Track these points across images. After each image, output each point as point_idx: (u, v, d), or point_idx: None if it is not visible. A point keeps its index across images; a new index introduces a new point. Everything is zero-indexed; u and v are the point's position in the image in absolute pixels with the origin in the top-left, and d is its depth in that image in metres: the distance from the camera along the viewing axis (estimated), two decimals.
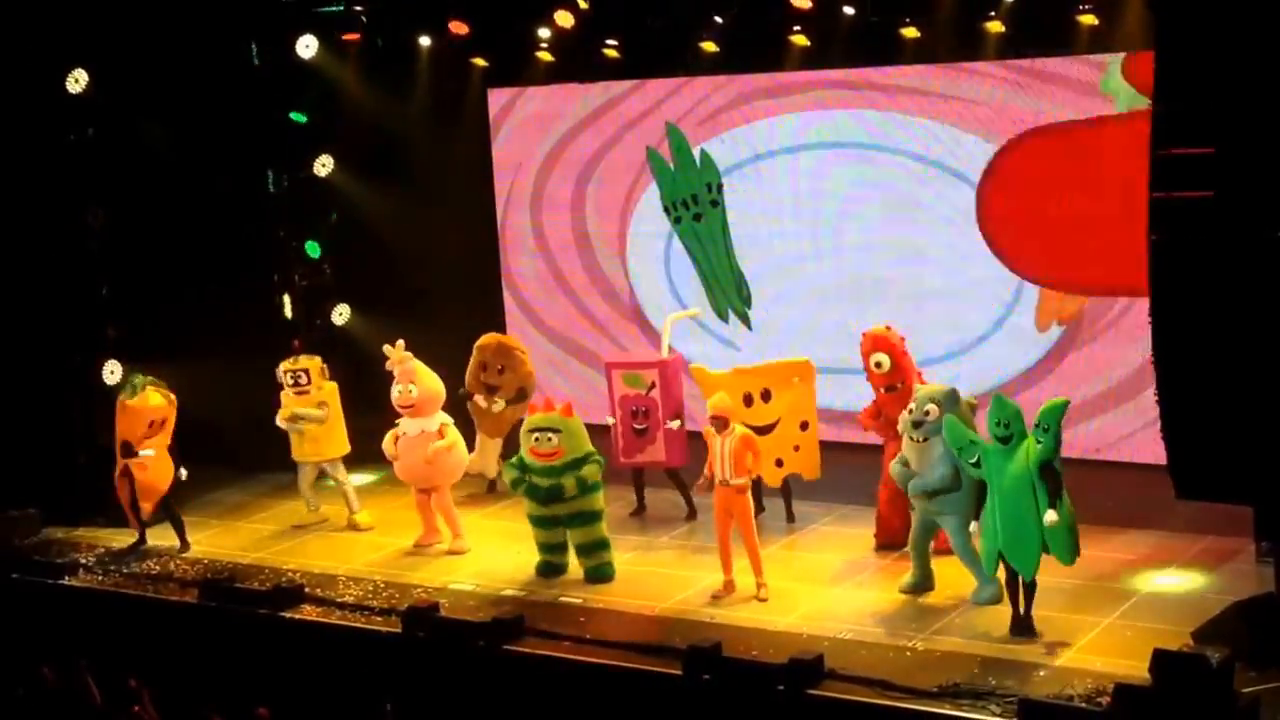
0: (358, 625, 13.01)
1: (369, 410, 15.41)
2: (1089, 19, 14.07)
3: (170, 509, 15.15)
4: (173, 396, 14.97)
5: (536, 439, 13.38)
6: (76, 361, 15.78)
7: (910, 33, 14.89)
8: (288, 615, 13.29)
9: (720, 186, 16.91)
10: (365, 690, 12.44)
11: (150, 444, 14.86)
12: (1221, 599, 11.77)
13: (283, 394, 15.35)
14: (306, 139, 17.22)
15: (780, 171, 16.59)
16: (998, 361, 15.61)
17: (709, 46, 15.85)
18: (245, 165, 16.96)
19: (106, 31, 15.48)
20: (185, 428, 15.13)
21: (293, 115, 17.13)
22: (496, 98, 18.02)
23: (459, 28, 16.51)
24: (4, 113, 15.39)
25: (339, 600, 13.43)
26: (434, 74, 17.23)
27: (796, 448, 14.36)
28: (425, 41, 16.95)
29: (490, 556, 14.30)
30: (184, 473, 15.21)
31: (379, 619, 13.03)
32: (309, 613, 13.33)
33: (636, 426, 14.82)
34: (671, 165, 17.11)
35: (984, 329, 15.76)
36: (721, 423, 12.70)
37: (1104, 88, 14.66)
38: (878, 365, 13.40)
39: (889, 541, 13.59)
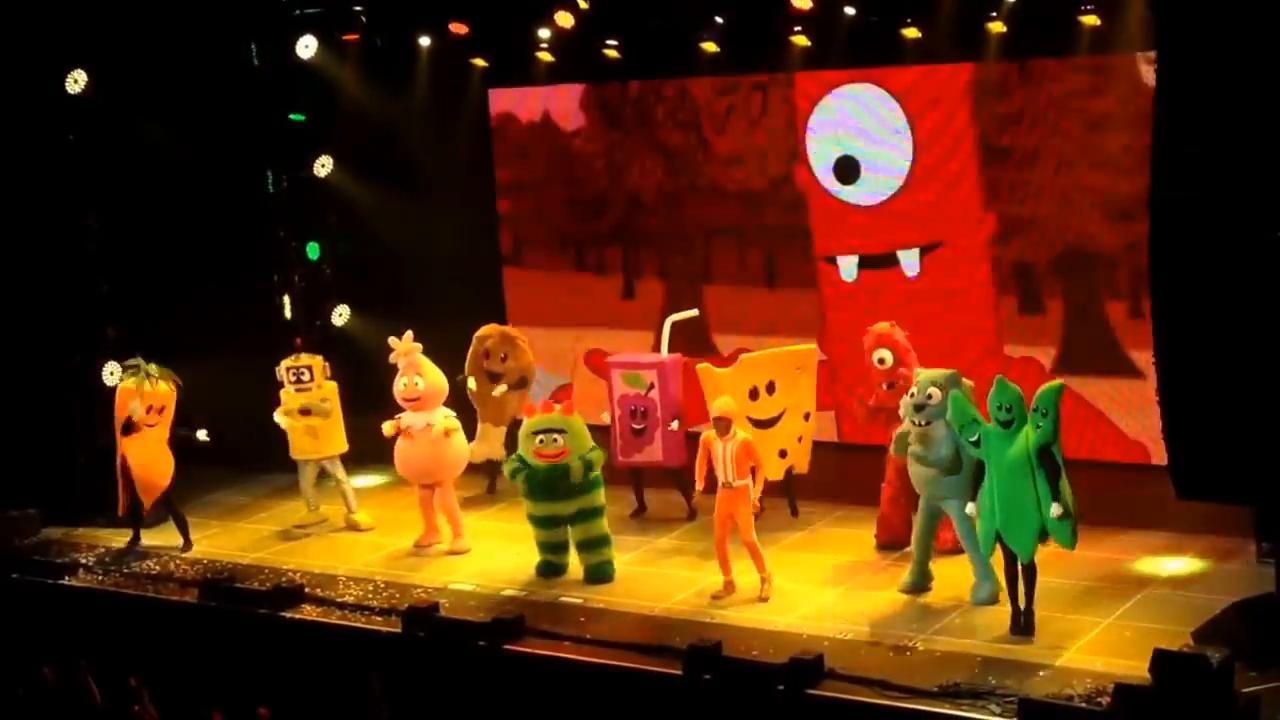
0: (358, 625, 13.01)
1: (369, 410, 15.41)
2: (1090, 19, 14.07)
3: (172, 506, 15.15)
4: (178, 381, 14.96)
5: (541, 440, 13.37)
6: (76, 361, 15.78)
7: (911, 33, 14.90)
8: (288, 615, 13.29)
9: None
10: (365, 689, 12.43)
11: (149, 433, 14.85)
12: (1221, 599, 11.75)
13: (283, 392, 15.34)
14: (306, 139, 17.22)
15: None
16: None
17: (709, 46, 15.85)
18: (245, 165, 16.95)
19: (106, 31, 15.48)
20: (182, 420, 15.15)
21: (292, 115, 17.15)
22: (496, 98, 18.03)
23: (459, 28, 16.51)
24: (4, 113, 15.39)
25: (339, 600, 13.43)
26: (434, 74, 17.22)
27: (800, 439, 14.42)
28: (425, 41, 16.94)
29: (490, 556, 14.30)
30: (204, 434, 15.16)
31: (379, 619, 13.03)
32: (309, 613, 13.33)
33: (635, 426, 14.82)
34: None
35: None
36: (724, 425, 12.70)
37: None
38: (880, 361, 13.43)
39: (891, 541, 13.60)
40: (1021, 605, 11.69)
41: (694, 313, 15.98)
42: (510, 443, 14.91)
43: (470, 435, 15.28)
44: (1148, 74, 13.65)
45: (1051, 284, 15.48)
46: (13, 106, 15.38)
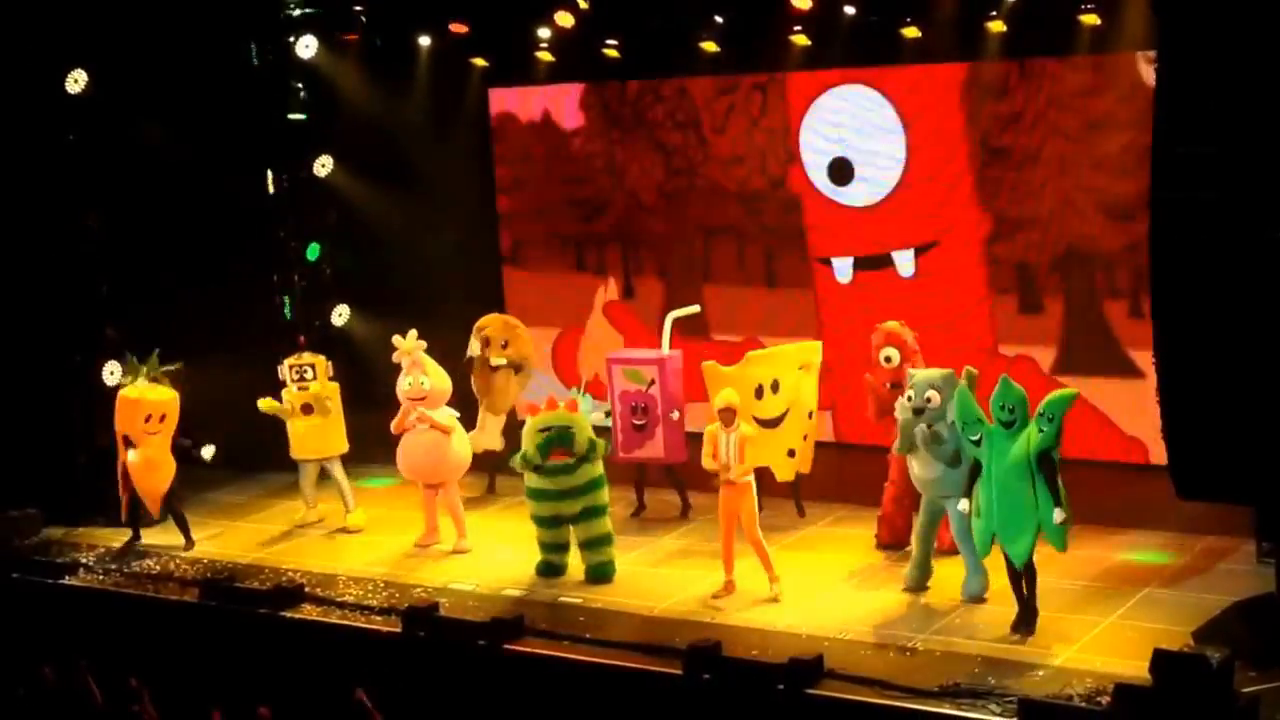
0: (358, 625, 13.01)
1: (369, 410, 15.41)
2: (1091, 19, 14.07)
3: (173, 506, 15.14)
4: (181, 386, 14.94)
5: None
6: (76, 361, 15.77)
7: (911, 33, 14.90)
8: (288, 615, 13.29)
9: None
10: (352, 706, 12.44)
11: (151, 440, 14.86)
12: (1221, 599, 11.76)
13: (284, 391, 15.33)
14: (306, 139, 17.23)
15: None
16: None
17: (709, 46, 15.86)
18: (245, 165, 16.96)
19: (105, 31, 15.47)
20: (186, 428, 15.14)
21: (292, 115, 17.14)
22: (496, 97, 18.03)
23: (459, 28, 16.51)
24: (4, 113, 15.38)
25: (339, 600, 13.43)
26: (434, 74, 17.23)
27: (805, 436, 14.43)
28: (425, 41, 16.95)
29: (490, 556, 14.30)
30: (209, 452, 15.10)
31: (379, 619, 13.03)
32: (309, 613, 13.33)
33: (636, 422, 14.82)
34: None
35: None
36: (729, 416, 12.67)
37: None
38: (887, 360, 13.38)
39: (892, 541, 13.59)
40: (1025, 596, 11.69)
41: (695, 309, 15.98)
42: (509, 435, 14.88)
43: (469, 426, 15.27)
44: (1148, 74, 13.69)
45: (1051, 284, 15.49)
46: (13, 106, 15.37)
